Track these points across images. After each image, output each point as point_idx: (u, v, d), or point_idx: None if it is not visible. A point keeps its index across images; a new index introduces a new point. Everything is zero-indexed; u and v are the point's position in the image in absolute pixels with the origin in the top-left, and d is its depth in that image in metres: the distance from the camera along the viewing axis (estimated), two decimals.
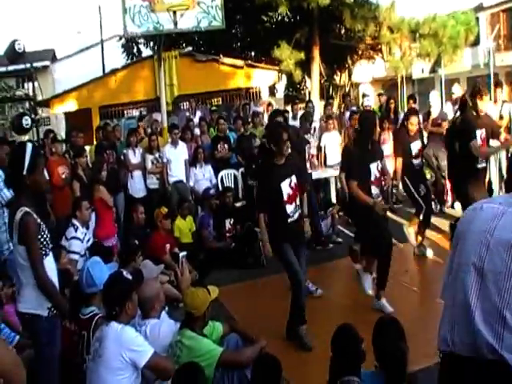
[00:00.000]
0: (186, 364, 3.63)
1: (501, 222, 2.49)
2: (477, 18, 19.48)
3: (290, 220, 5.79)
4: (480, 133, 6.86)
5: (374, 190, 6.29)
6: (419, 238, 8.21)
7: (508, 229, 2.45)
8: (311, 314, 5.88)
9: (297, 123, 12.34)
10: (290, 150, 5.82)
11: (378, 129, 7.09)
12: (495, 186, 10.00)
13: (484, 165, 7.20)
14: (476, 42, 20.33)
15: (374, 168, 6.32)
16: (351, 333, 3.52)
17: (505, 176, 10.96)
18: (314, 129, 12.38)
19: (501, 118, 10.66)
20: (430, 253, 8.10)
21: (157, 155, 10.49)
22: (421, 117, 11.33)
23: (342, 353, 3.38)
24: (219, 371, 3.93)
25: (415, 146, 8.05)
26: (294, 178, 5.83)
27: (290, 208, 5.79)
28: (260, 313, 6.45)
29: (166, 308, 4.98)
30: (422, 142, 8.54)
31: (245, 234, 8.80)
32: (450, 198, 10.96)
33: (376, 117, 7.01)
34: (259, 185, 6.67)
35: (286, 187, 5.77)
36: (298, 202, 5.88)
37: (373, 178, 6.30)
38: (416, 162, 8.10)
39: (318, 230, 8.86)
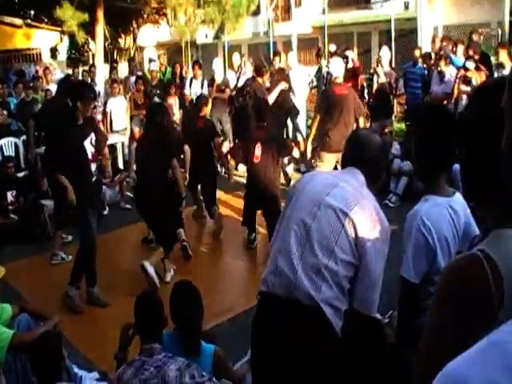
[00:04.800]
0: None
1: (333, 192, 2.76)
2: None
3: (93, 179, 5.95)
4: None
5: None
6: None
7: (338, 199, 2.72)
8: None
9: None
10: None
11: None
12: None
13: None
14: (257, 12, 21.14)
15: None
16: (152, 299, 3.56)
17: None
18: (99, 93, 12.09)
19: None
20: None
21: None
22: (206, 82, 11.69)
23: (144, 319, 3.41)
24: (11, 354, 3.77)
25: None
26: (93, 136, 5.89)
27: (92, 167, 5.92)
28: (51, 286, 6.23)
29: None
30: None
31: (29, 206, 8.36)
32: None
33: None
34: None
35: (89, 146, 5.80)
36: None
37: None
38: None
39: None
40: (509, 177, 0.92)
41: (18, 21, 13.67)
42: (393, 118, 12.21)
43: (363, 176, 2.89)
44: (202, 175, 7.98)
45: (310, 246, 2.65)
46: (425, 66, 10.93)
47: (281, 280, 2.67)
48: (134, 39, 21.09)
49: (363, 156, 2.92)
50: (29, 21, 14.70)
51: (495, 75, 8.83)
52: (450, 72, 9.54)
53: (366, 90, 12.27)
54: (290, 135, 11.42)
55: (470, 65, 8.71)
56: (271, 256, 2.83)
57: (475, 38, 10.57)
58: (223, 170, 10.90)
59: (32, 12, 18.43)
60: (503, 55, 8.75)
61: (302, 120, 11.40)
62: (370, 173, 2.92)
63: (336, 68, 8.41)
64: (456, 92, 9.01)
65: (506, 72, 8.46)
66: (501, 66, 8.79)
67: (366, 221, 2.68)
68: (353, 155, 2.99)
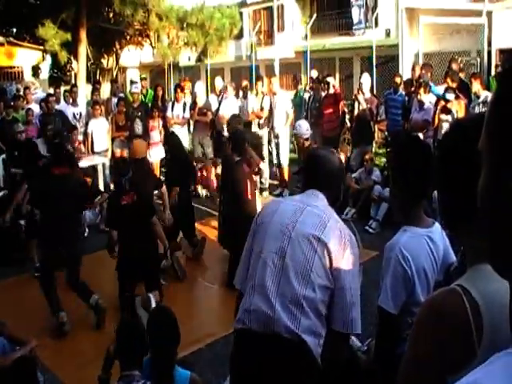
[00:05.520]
0: None
1: (301, 218, 2.76)
2: (240, 13, 20.48)
3: None
4: None
5: None
6: None
7: (308, 224, 2.72)
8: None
9: (62, 107, 11.96)
10: None
11: None
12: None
13: None
14: (239, 36, 21.33)
15: None
16: (135, 325, 3.52)
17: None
18: (80, 114, 12.06)
19: (261, 109, 11.43)
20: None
21: None
22: (188, 105, 11.72)
23: (125, 344, 3.36)
24: None
25: None
26: None
27: None
28: (30, 309, 6.17)
29: None
30: None
31: (8, 227, 8.23)
32: (214, 184, 11.45)
33: None
34: None
35: None
36: None
37: None
38: None
39: None
40: (485, 217, 0.94)
41: None
42: (373, 144, 12.34)
43: (324, 196, 2.91)
44: (179, 211, 7.91)
45: (286, 277, 2.64)
46: (405, 92, 11.04)
47: (257, 316, 2.64)
48: (117, 60, 21.11)
49: (321, 172, 2.96)
50: (11, 39, 14.57)
51: (473, 103, 9.10)
52: (429, 99, 9.67)
53: (347, 116, 12.38)
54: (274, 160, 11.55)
55: (450, 96, 8.88)
56: (245, 294, 2.79)
57: (454, 66, 10.73)
58: (204, 193, 10.96)
59: (14, 30, 18.37)
60: (476, 85, 9.11)
61: (284, 145, 11.40)
62: (329, 190, 2.94)
63: (303, 129, 8.64)
64: (436, 121, 9.15)
65: (480, 100, 8.90)
66: (475, 95, 9.20)
67: (337, 241, 2.69)
68: (312, 172, 3.02)
